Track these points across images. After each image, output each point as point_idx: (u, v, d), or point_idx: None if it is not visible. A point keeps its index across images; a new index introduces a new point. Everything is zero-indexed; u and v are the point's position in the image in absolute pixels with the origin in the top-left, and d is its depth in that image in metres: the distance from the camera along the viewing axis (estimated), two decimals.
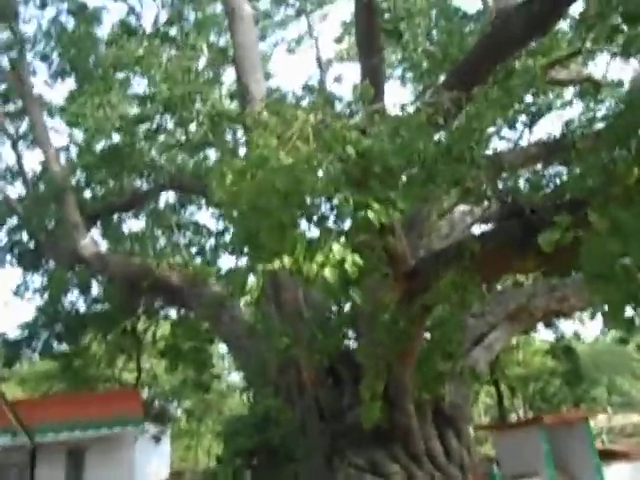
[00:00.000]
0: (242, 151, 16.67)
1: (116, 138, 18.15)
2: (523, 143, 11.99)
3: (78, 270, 17.06)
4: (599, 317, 3.85)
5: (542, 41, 9.05)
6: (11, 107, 19.45)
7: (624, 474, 14.92)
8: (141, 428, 18.07)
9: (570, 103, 12.62)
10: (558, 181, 7.18)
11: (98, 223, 18.63)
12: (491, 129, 8.29)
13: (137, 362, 20.72)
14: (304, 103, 16.01)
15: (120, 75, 18.32)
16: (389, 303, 7.84)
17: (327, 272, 5.05)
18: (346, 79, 47.31)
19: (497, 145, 11.59)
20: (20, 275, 20.59)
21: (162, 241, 19.08)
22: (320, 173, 5.27)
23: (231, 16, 12.41)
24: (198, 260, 18.08)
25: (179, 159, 18.47)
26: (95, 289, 18.49)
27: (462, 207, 13.01)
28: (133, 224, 40.33)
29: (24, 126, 19.47)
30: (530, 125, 11.91)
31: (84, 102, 17.61)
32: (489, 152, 8.33)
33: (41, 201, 17.01)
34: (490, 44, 8.26)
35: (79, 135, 19.63)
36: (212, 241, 18.91)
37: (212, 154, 18.94)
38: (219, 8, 18.53)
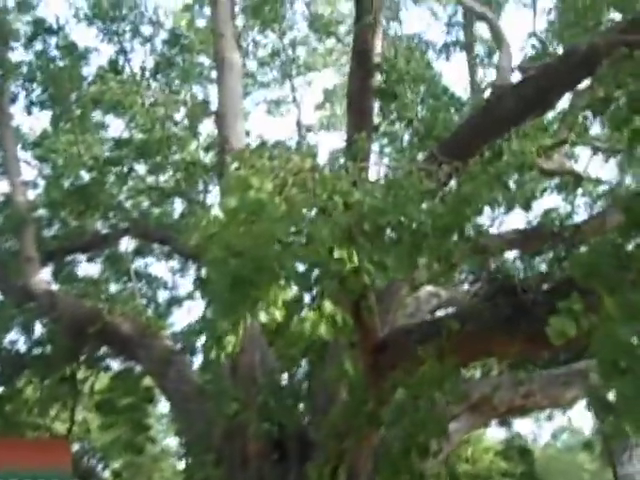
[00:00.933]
0: (212, 202, 16.45)
1: (86, 177, 17.69)
2: (502, 228, 11.91)
3: (24, 308, 16.23)
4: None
5: (533, 124, 9.04)
6: None
7: None
8: None
9: (549, 192, 12.67)
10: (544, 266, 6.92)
11: (52, 262, 17.94)
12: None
13: (71, 412, 19.30)
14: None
15: (98, 115, 18.08)
16: (356, 379, 7.30)
17: (323, 329, 4.61)
18: (324, 147, 48.17)
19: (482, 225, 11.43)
20: None
21: (116, 287, 18.44)
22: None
23: (220, 65, 12.24)
24: (150, 312, 17.47)
25: (145, 205, 18.03)
26: (38, 331, 17.56)
27: (429, 288, 12.76)
28: (88, 267, 39.51)
29: None
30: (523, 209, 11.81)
31: (58, 138, 17.23)
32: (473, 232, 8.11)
33: None
34: (483, 119, 8.21)
35: (48, 170, 19.16)
36: (166, 294, 18.47)
37: (179, 205, 18.66)
38: (207, 61, 18.61)
